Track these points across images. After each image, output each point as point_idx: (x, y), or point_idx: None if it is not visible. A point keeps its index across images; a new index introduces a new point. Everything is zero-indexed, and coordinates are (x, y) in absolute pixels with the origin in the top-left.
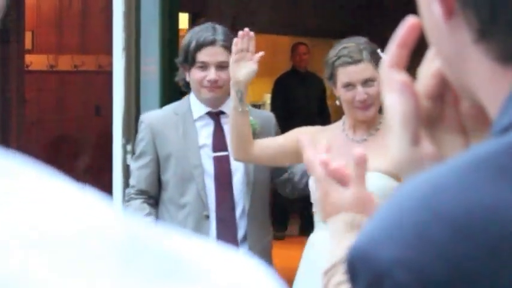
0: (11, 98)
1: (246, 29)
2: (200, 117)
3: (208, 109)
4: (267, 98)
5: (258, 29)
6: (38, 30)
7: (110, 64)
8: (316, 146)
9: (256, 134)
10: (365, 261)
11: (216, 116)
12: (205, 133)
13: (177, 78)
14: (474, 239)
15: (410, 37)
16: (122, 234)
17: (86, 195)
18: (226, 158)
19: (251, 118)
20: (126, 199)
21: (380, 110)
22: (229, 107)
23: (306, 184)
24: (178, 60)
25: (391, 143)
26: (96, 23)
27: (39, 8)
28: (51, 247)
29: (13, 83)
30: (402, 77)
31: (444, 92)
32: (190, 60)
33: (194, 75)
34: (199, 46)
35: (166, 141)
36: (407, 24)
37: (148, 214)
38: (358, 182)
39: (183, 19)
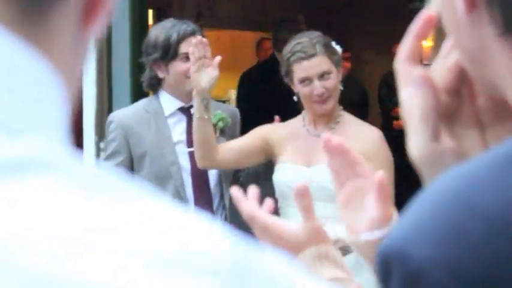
0: None
1: (199, 37)
2: (172, 114)
3: (180, 105)
4: (232, 94)
5: (222, 25)
6: None
7: None
8: (249, 198)
9: (227, 128)
10: (400, 259)
11: (187, 111)
12: (178, 129)
13: (144, 78)
14: (510, 235)
15: (426, 30)
16: (228, 258)
17: (191, 216)
18: None
19: (219, 112)
20: None
21: (339, 103)
22: None
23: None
24: (153, 57)
25: (409, 138)
26: None
27: None
28: (160, 268)
29: None
30: (420, 70)
31: (461, 86)
32: (172, 54)
33: (178, 68)
34: (182, 38)
35: (140, 140)
36: (423, 17)
37: None
38: (307, 215)
39: (148, 15)
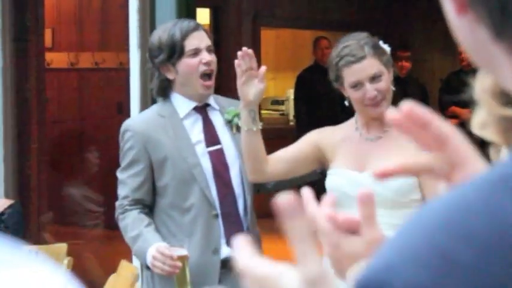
0: (31, 97)
1: (245, 48)
2: (187, 115)
3: (193, 104)
4: (290, 94)
5: (279, 24)
6: (58, 28)
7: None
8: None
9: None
10: None
11: (202, 109)
12: (196, 130)
13: (153, 84)
14: (506, 259)
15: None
16: None
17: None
18: (221, 151)
19: (233, 108)
20: (120, 211)
21: (393, 103)
22: (212, 99)
23: (274, 185)
24: (160, 59)
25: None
26: (116, 19)
27: (59, 5)
28: None
29: (33, 82)
30: None
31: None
32: (178, 52)
33: (186, 64)
34: (186, 34)
35: (159, 146)
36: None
37: (148, 224)
38: (368, 223)
39: (204, 14)
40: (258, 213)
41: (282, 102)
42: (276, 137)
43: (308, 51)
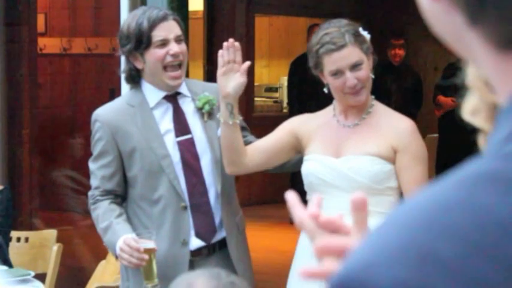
0: (23, 83)
1: (231, 40)
2: (157, 104)
3: (163, 93)
4: (284, 81)
5: (273, 11)
6: (50, 13)
7: None
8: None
9: (216, 109)
10: None
11: (173, 98)
12: (166, 119)
13: (123, 72)
14: (490, 254)
15: None
16: None
17: None
18: (191, 141)
19: (205, 94)
20: (92, 202)
21: (386, 90)
22: (184, 86)
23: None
24: (127, 48)
25: None
26: (109, 4)
27: None
28: None
29: (25, 67)
30: None
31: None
32: (146, 42)
33: (154, 55)
34: (154, 23)
35: (128, 136)
36: None
37: (119, 215)
38: (360, 228)
39: (199, 1)
40: (243, 201)
41: (275, 90)
42: (270, 125)
43: (302, 39)
